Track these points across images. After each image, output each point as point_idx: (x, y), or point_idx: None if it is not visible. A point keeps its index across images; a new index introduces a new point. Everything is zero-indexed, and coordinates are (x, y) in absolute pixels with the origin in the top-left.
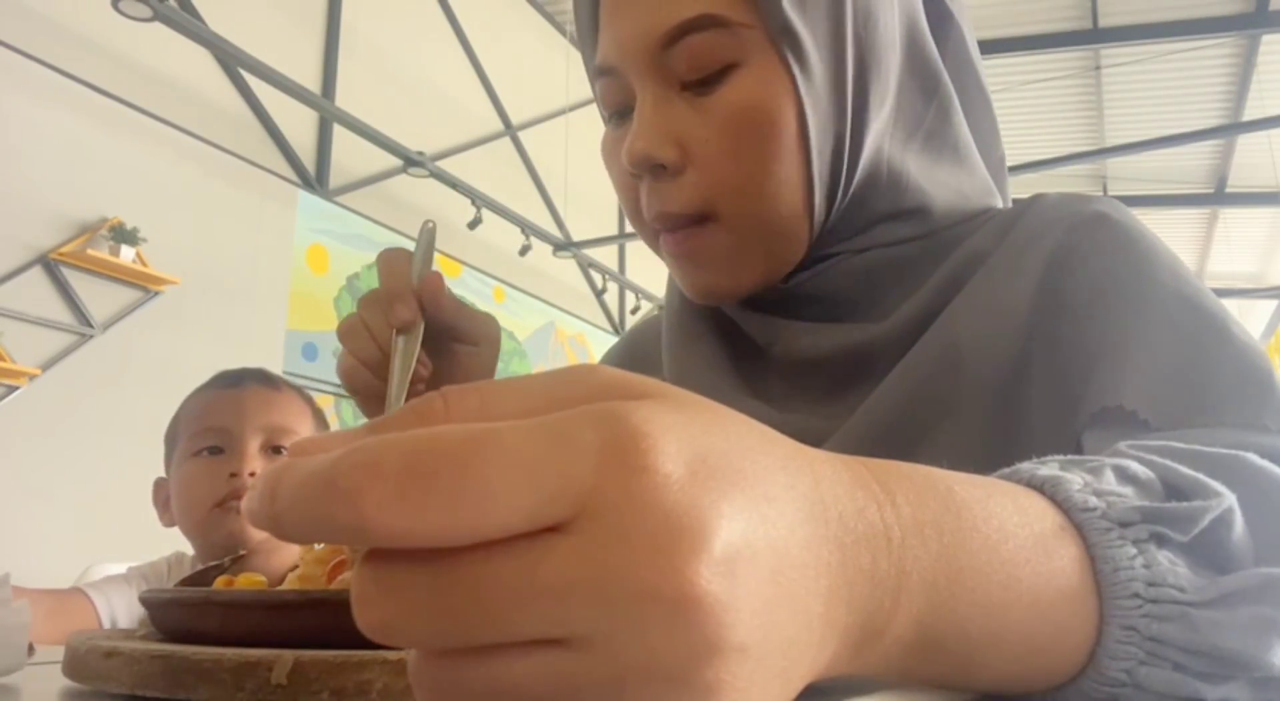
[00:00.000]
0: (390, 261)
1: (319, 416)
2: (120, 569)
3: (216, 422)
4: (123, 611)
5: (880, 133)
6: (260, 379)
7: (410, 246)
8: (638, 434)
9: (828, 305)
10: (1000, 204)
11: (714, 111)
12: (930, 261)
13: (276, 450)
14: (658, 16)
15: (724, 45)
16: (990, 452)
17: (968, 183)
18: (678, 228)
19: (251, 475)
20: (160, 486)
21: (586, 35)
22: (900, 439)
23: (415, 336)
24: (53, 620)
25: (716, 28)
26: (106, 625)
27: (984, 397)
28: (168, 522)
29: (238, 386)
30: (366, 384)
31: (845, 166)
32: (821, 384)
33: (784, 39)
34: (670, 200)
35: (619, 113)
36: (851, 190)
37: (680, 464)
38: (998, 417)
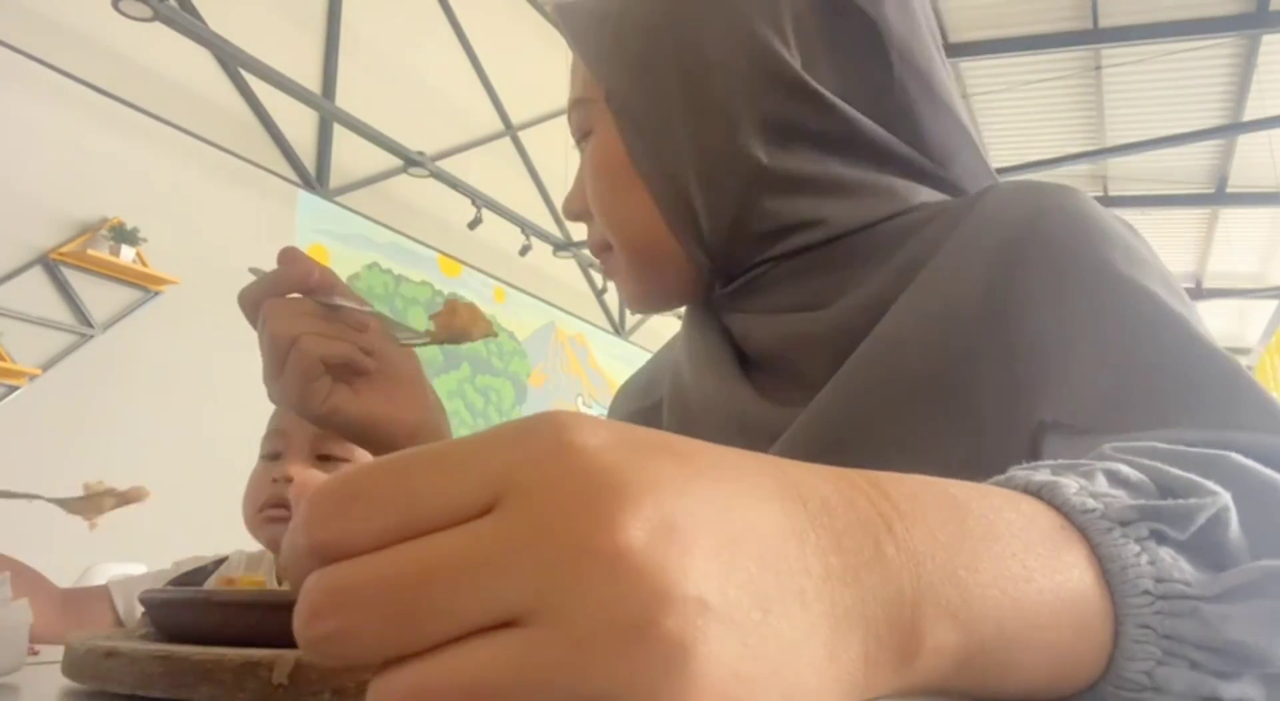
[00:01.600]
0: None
1: None
2: (129, 569)
3: (278, 426)
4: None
5: (742, 148)
6: None
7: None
8: (551, 420)
9: (786, 299)
10: (936, 193)
11: (585, 169)
12: (880, 249)
13: (326, 458)
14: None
15: (586, 116)
16: (945, 444)
17: (878, 180)
18: (599, 253)
19: (288, 480)
20: None
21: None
22: (847, 434)
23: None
24: (67, 613)
25: (584, 104)
26: (124, 618)
27: (930, 392)
28: None
29: None
30: None
31: (699, 189)
32: (780, 373)
33: (611, 101)
34: (591, 234)
35: (584, 136)
36: (730, 208)
37: (599, 440)
38: (946, 413)
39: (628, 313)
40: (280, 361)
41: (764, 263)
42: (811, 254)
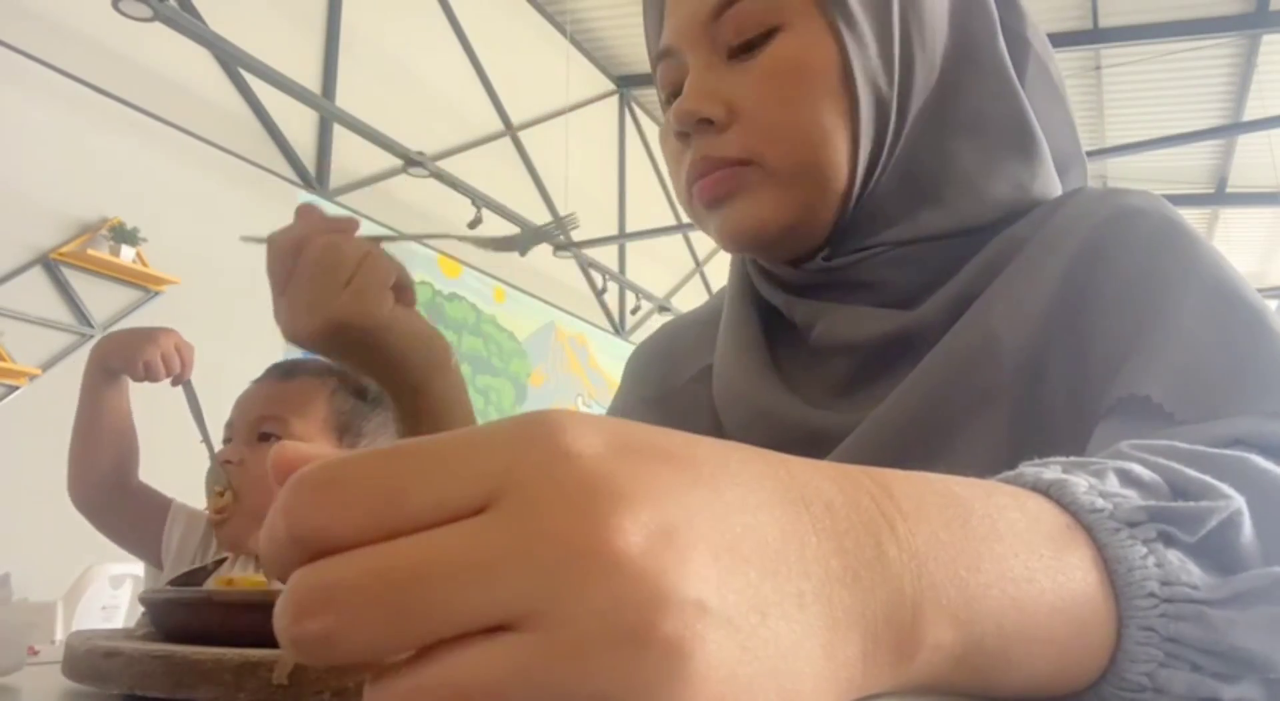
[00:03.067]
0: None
1: (346, 391)
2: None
3: (231, 415)
4: (175, 546)
5: (928, 111)
6: (277, 371)
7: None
8: (549, 421)
9: (872, 294)
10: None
11: (758, 68)
12: (971, 251)
13: (265, 437)
14: None
15: (768, 9)
16: (1016, 444)
17: (1028, 176)
18: (717, 169)
19: (227, 462)
20: None
21: (653, 28)
22: (929, 428)
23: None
24: (134, 500)
25: None
26: (164, 545)
27: (1014, 387)
28: None
29: (256, 381)
30: None
31: (891, 130)
32: (849, 370)
33: (830, 1)
34: (715, 147)
35: (675, 93)
36: (895, 159)
37: (596, 444)
38: (1024, 408)
39: (628, 312)
40: (339, 273)
41: (868, 248)
42: (914, 247)
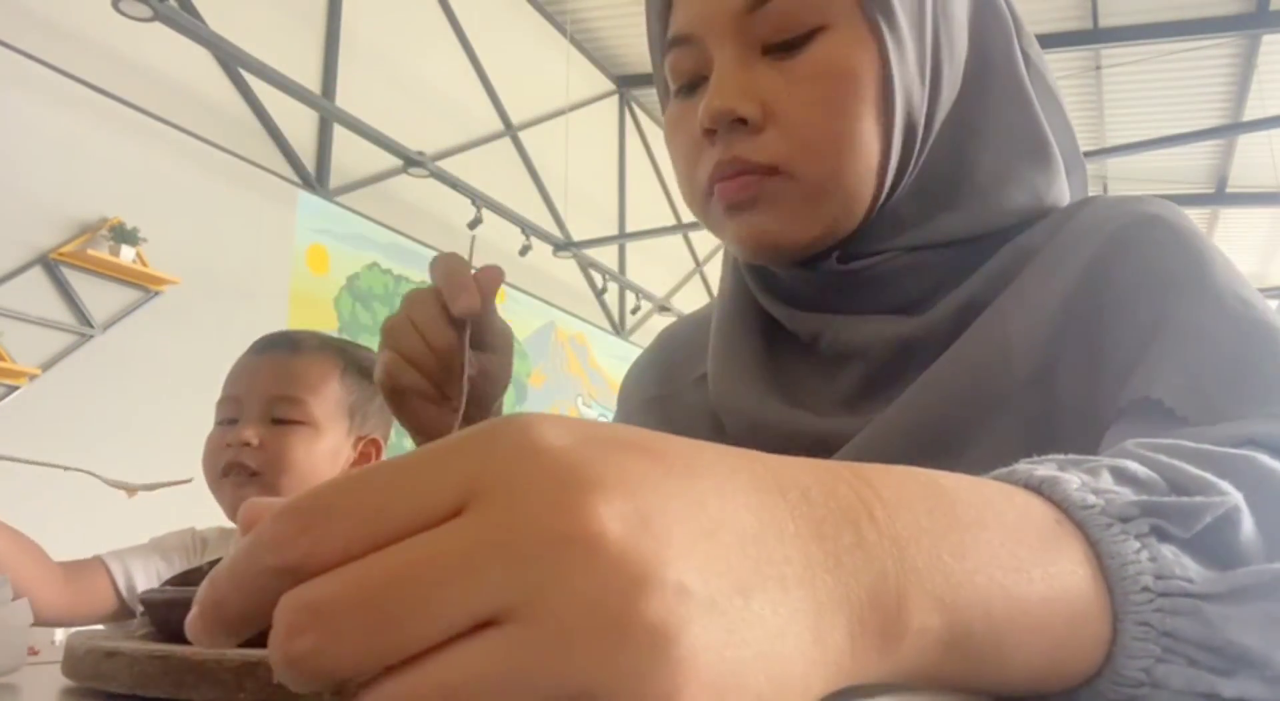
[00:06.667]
0: (447, 259)
1: (354, 370)
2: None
3: (231, 392)
4: (140, 579)
5: (951, 120)
6: (284, 344)
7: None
8: (517, 421)
9: (879, 300)
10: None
11: (800, 71)
12: (979, 253)
13: (280, 421)
14: None
15: (811, 7)
16: (1028, 450)
17: (1043, 184)
18: (745, 173)
19: (246, 444)
20: None
21: (657, 11)
22: (938, 434)
23: (467, 333)
24: (70, 587)
25: None
26: (124, 592)
27: (1027, 395)
28: None
29: (259, 354)
30: (414, 382)
31: (919, 141)
32: (857, 380)
33: (875, 2)
34: (747, 150)
35: (690, 84)
36: (919, 166)
37: (565, 437)
38: (1037, 416)
39: (628, 312)
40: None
41: (882, 252)
42: (927, 253)
